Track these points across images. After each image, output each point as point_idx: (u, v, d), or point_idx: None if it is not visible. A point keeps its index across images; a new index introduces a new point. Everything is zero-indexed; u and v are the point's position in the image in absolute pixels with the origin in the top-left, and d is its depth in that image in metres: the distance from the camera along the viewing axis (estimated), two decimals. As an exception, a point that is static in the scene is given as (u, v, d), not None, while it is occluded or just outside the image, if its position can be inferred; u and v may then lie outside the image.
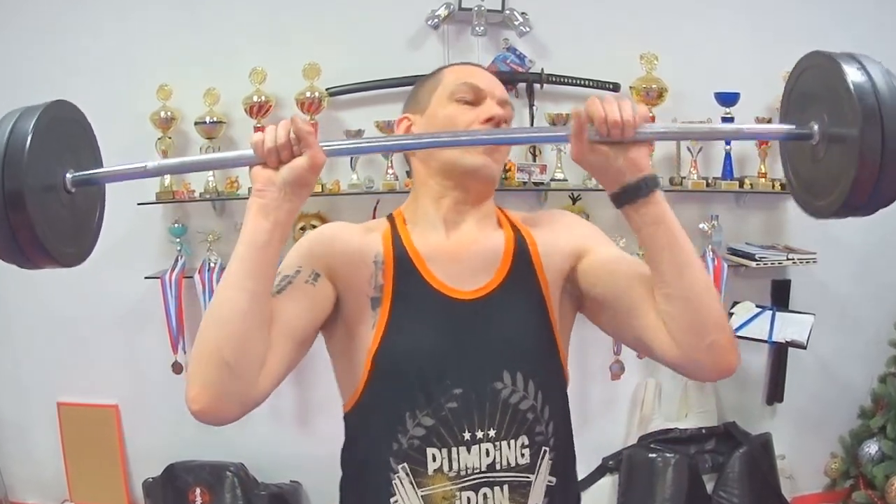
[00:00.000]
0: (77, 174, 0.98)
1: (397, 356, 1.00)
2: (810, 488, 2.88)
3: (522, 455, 0.99)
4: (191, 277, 2.49)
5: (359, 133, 2.51)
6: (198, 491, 2.53)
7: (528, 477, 1.00)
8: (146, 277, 2.50)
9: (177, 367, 2.53)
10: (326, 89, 2.51)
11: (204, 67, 2.52)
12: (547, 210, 1.18)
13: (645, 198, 0.94)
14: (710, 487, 2.57)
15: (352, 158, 2.52)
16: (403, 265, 1.04)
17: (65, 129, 0.99)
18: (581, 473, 2.79)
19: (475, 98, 1.09)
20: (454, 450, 0.97)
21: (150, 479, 2.61)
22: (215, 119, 2.47)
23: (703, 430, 2.69)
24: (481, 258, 1.06)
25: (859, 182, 0.89)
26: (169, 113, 2.47)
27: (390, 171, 2.52)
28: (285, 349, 0.96)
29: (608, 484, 2.66)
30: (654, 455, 2.56)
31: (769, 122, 2.62)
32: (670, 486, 2.49)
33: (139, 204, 2.44)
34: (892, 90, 0.88)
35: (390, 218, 1.13)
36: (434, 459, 0.97)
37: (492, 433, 0.98)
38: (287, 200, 0.93)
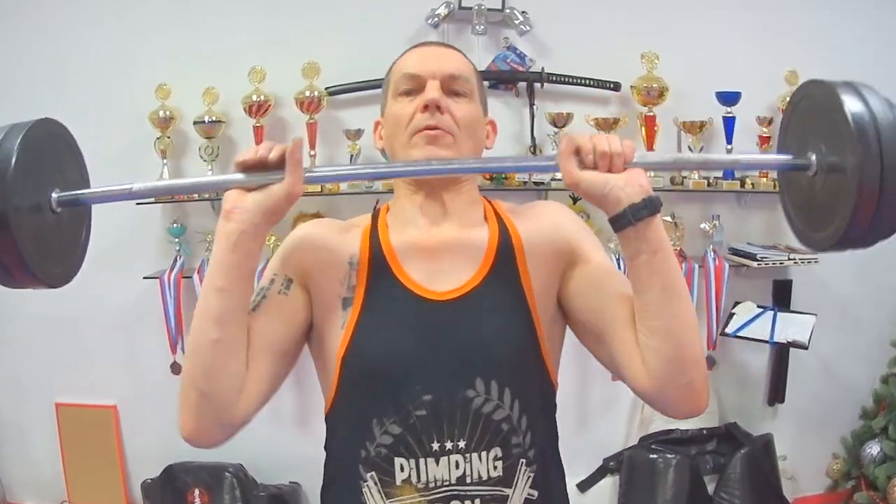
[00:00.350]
0: (63, 195, 0.97)
1: (364, 358, 0.97)
2: (812, 489, 2.88)
3: (495, 468, 0.95)
4: (190, 277, 2.49)
5: (358, 133, 2.51)
6: (196, 492, 2.53)
7: (503, 491, 0.95)
8: (145, 277, 2.50)
9: (176, 368, 2.53)
10: (326, 88, 2.51)
11: (203, 66, 2.53)
12: (537, 202, 1.11)
13: (647, 219, 0.90)
14: (711, 488, 2.57)
15: (351, 156, 2.52)
16: (377, 265, 1.01)
17: (51, 147, 0.98)
18: (581, 474, 2.81)
19: (416, 86, 1.03)
20: (422, 461, 0.94)
21: (149, 480, 2.61)
22: (214, 118, 2.47)
23: (705, 431, 2.68)
24: (461, 256, 1.02)
25: (858, 214, 0.88)
26: (168, 112, 2.47)
27: (390, 170, 2.52)
28: (266, 367, 0.96)
29: (609, 485, 2.66)
30: (654, 456, 2.56)
31: (770, 122, 2.62)
32: (671, 487, 2.49)
33: (138, 204, 2.44)
34: (890, 120, 0.86)
35: (375, 213, 1.10)
36: (402, 469, 0.94)
37: (461, 444, 0.94)
38: (254, 225, 0.91)
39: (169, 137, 2.49)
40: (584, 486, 2.65)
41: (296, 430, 2.63)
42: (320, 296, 1.01)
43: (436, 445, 0.94)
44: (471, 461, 0.94)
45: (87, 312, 2.60)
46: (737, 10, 2.67)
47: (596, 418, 2.73)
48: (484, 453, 0.94)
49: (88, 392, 2.65)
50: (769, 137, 2.62)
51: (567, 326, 1.07)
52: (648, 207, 0.90)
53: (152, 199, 2.47)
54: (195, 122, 2.48)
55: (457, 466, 0.94)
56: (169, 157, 2.50)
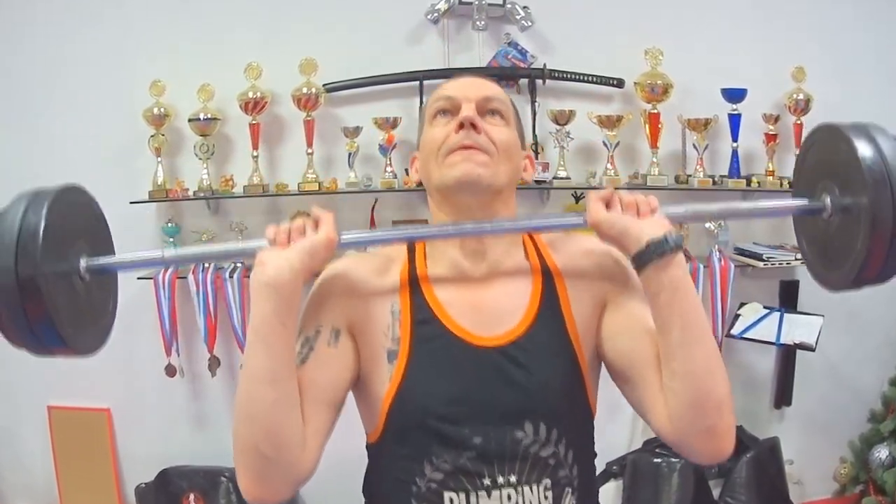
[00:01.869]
0: (91, 263, 1.00)
1: (413, 410, 0.98)
2: (819, 494, 2.88)
3: (546, 497, 0.97)
4: (184, 278, 2.49)
5: (356, 131, 2.51)
6: (191, 497, 2.54)
7: None
8: (139, 278, 2.50)
9: (170, 370, 2.54)
10: (323, 85, 2.51)
11: (198, 62, 2.53)
12: (578, 235, 1.12)
13: (668, 256, 0.92)
14: (716, 493, 2.57)
15: (349, 155, 2.52)
16: (420, 312, 1.01)
17: (76, 213, 1.00)
18: (584, 479, 2.79)
19: (451, 108, 1.04)
20: (473, 494, 0.95)
21: (143, 485, 2.61)
22: (210, 115, 2.47)
23: (710, 435, 2.69)
24: (506, 302, 1.02)
25: (872, 254, 0.92)
26: (162, 109, 2.47)
27: (389, 168, 2.52)
28: (322, 418, 0.97)
29: (613, 489, 2.66)
30: (659, 460, 2.56)
31: (777, 119, 2.62)
32: (676, 491, 2.49)
33: (131, 202, 2.44)
34: None
35: (410, 249, 1.08)
36: (452, 502, 0.96)
37: (513, 479, 0.96)
38: (293, 271, 0.91)
39: (163, 135, 2.49)
40: (586, 491, 2.65)
41: (293, 433, 2.63)
42: (365, 346, 1.02)
43: (487, 481, 0.96)
44: (522, 494, 0.96)
45: (79, 313, 2.60)
46: (743, 5, 2.68)
47: (600, 423, 2.71)
48: (535, 486, 0.97)
49: (81, 395, 2.65)
50: (776, 135, 2.63)
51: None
52: (670, 243, 0.92)
53: (146, 198, 2.48)
54: (190, 120, 2.48)
55: (509, 499, 0.96)
56: (163, 155, 2.50)
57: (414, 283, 1.03)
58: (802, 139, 2.56)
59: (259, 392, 0.90)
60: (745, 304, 2.65)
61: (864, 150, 0.92)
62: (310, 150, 2.51)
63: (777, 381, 2.84)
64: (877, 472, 2.62)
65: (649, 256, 0.92)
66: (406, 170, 2.51)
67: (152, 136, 2.48)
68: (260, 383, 0.90)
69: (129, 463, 2.71)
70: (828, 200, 1.00)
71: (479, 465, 0.96)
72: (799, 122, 2.62)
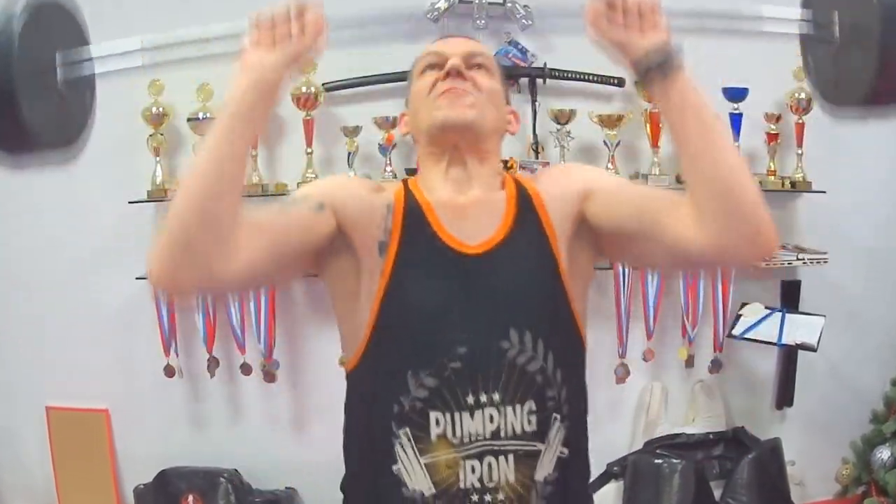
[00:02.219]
0: (68, 60, 0.99)
1: (404, 305, 0.99)
2: (821, 495, 2.88)
3: (529, 422, 0.97)
4: (183, 278, 2.49)
5: (356, 130, 2.51)
6: (190, 498, 2.54)
7: (536, 446, 0.97)
8: (137, 278, 2.49)
9: (169, 371, 2.54)
10: (323, 84, 2.51)
11: (197, 61, 2.52)
12: (551, 166, 1.20)
13: (672, 73, 0.93)
14: (717, 494, 2.57)
15: (349, 155, 2.52)
16: (414, 213, 1.04)
17: (56, 18, 1.00)
18: (585, 480, 2.78)
19: (439, 62, 1.11)
20: (457, 414, 0.95)
21: (142, 486, 2.61)
22: (209, 115, 2.47)
23: (711, 436, 2.69)
24: (486, 212, 1.06)
25: (881, 81, 0.91)
26: (161, 109, 2.47)
27: (389, 168, 2.52)
28: (264, 245, 0.95)
29: (613, 491, 2.66)
30: (660, 461, 2.56)
31: (779, 119, 2.62)
32: (677, 492, 2.49)
33: (130, 202, 2.44)
34: None
35: (404, 181, 1.13)
36: (437, 424, 0.95)
37: (496, 397, 0.95)
38: (279, 84, 0.94)
39: (162, 134, 2.49)
40: (587, 492, 2.65)
41: (292, 434, 2.62)
42: (357, 235, 1.03)
43: (471, 399, 0.95)
44: (505, 415, 0.96)
45: (78, 314, 2.60)
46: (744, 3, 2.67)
47: (600, 423, 2.71)
48: (518, 406, 0.96)
49: (79, 395, 2.65)
50: (777, 135, 2.62)
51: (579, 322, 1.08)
52: (670, 60, 0.94)
53: (145, 198, 2.47)
54: (189, 119, 2.48)
55: (491, 420, 0.96)
56: (162, 155, 2.50)
57: (408, 193, 1.08)
58: (804, 139, 2.60)
59: (205, 168, 0.90)
60: (747, 304, 2.65)
61: None
62: (309, 150, 2.51)
63: (779, 381, 2.84)
64: (879, 473, 2.62)
65: (653, 74, 0.94)
66: (408, 170, 2.51)
67: (151, 135, 2.48)
68: (209, 162, 0.90)
69: (127, 463, 2.71)
70: (836, 22, 0.99)
71: (464, 379, 0.95)
72: (800, 121, 2.62)
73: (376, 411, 0.99)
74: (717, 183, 0.91)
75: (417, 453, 0.96)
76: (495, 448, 0.95)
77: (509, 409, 0.96)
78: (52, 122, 0.96)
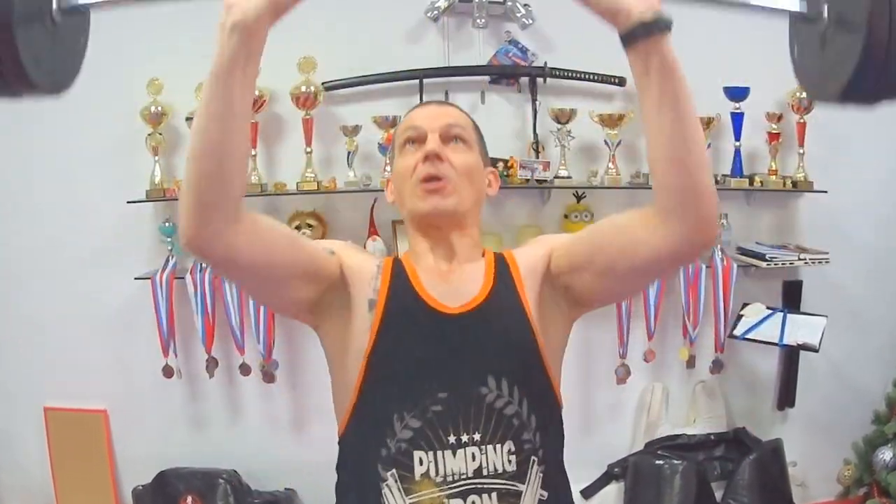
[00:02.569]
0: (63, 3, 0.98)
1: (389, 360, 1.06)
2: (823, 496, 2.88)
3: (509, 461, 1.02)
4: (182, 278, 2.49)
5: (356, 129, 2.51)
6: (189, 499, 2.54)
7: (517, 486, 1.02)
8: (136, 278, 2.50)
9: (167, 371, 2.53)
10: (322, 83, 2.51)
11: (196, 61, 2.52)
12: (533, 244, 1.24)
13: (658, 35, 0.92)
14: (719, 495, 2.57)
15: (348, 154, 2.52)
16: (399, 276, 1.13)
17: None
18: (586, 481, 2.81)
19: (417, 137, 1.17)
20: (440, 453, 1.01)
21: (140, 487, 2.61)
22: (207, 114, 2.47)
23: (712, 436, 2.69)
24: (467, 278, 1.14)
25: (863, 68, 0.91)
26: (159, 108, 2.47)
27: (388, 168, 2.52)
28: (271, 238, 1.02)
29: (614, 491, 2.66)
30: (661, 462, 2.56)
31: (780, 118, 2.62)
32: (678, 493, 2.49)
33: (129, 202, 2.44)
34: None
35: (394, 256, 1.22)
36: (421, 463, 1.01)
37: (477, 437, 1.02)
38: (263, 28, 0.92)
39: (161, 134, 2.49)
40: (588, 493, 2.65)
41: (291, 435, 2.63)
42: (354, 294, 1.11)
43: (452, 438, 1.01)
44: (486, 453, 1.02)
45: (76, 313, 2.60)
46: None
47: (600, 424, 2.73)
48: (499, 446, 1.02)
49: (78, 396, 2.65)
50: (779, 134, 2.62)
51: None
52: (658, 24, 0.92)
53: (144, 198, 2.47)
54: (188, 118, 2.48)
55: (473, 458, 1.02)
56: (161, 154, 2.50)
57: (396, 260, 1.17)
58: (806, 139, 2.60)
59: (213, 128, 0.91)
60: (748, 304, 2.65)
61: None
62: (308, 149, 2.51)
63: (780, 382, 2.84)
64: (881, 474, 2.62)
65: (637, 36, 0.93)
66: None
67: (149, 134, 2.48)
68: (215, 120, 0.91)
69: (126, 464, 2.71)
70: (825, 7, 1.00)
71: (445, 421, 1.02)
72: (802, 120, 2.62)
73: (365, 459, 1.05)
74: (683, 163, 0.94)
75: (403, 493, 1.01)
76: (479, 486, 1.01)
77: (490, 447, 1.02)
78: (46, 58, 0.98)
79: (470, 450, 1.01)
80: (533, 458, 1.04)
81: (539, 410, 1.06)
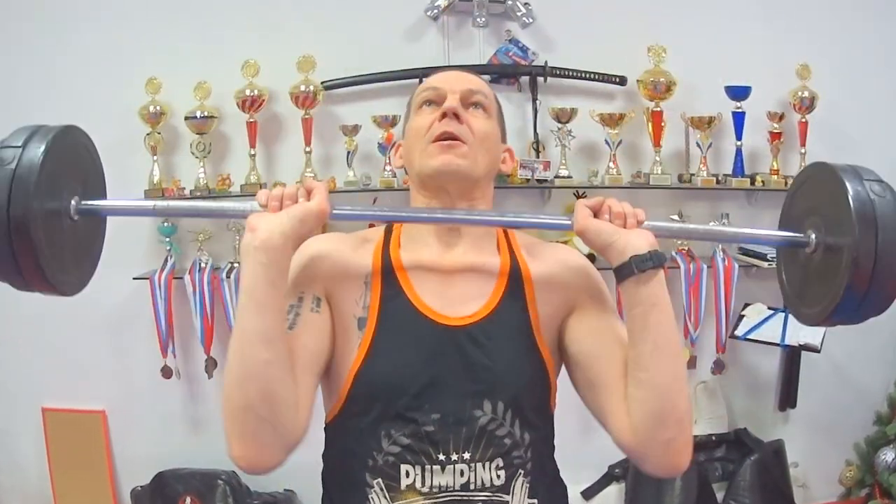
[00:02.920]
0: (83, 204, 1.01)
1: (377, 379, 1.01)
2: (824, 497, 2.88)
3: (498, 476, 1.01)
4: (181, 278, 2.49)
5: (355, 129, 2.51)
6: (188, 500, 2.53)
7: (503, 497, 1.01)
8: (134, 278, 2.50)
9: (166, 372, 2.53)
10: (322, 83, 2.51)
11: (194, 60, 2.52)
12: (555, 245, 1.20)
13: (650, 271, 0.96)
14: (720, 496, 2.57)
15: (348, 153, 2.52)
16: (391, 286, 1.05)
17: (73, 154, 1.02)
18: (587, 482, 2.80)
19: (436, 98, 1.10)
20: (427, 468, 0.99)
21: (139, 488, 2.61)
22: (206, 114, 2.47)
23: (714, 437, 2.69)
24: (473, 284, 1.07)
25: (849, 292, 0.97)
26: (158, 107, 2.47)
27: (388, 167, 2.52)
28: (311, 382, 1.00)
29: (614, 492, 2.66)
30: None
31: (782, 117, 2.62)
32: (679, 494, 2.49)
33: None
34: (890, 211, 0.96)
35: (388, 230, 1.13)
36: (408, 475, 0.99)
37: (466, 455, 1.00)
38: (283, 235, 0.94)
39: (159, 133, 2.49)
40: (588, 494, 2.65)
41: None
42: (338, 314, 1.05)
43: (442, 456, 0.99)
44: (475, 470, 1.00)
45: (74, 314, 2.59)
46: (747, 1, 2.67)
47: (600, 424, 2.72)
48: (488, 463, 1.00)
49: (76, 396, 2.65)
50: (780, 133, 2.62)
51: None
52: (653, 260, 0.96)
53: (142, 197, 2.47)
54: (186, 118, 2.48)
55: (462, 475, 1.00)
56: (159, 154, 2.50)
57: (387, 261, 1.08)
58: (807, 138, 2.60)
59: (253, 353, 0.91)
60: (749, 304, 2.65)
61: (854, 192, 0.97)
62: (308, 149, 2.50)
63: (782, 383, 2.84)
64: (883, 475, 2.62)
65: (630, 270, 0.96)
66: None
67: (148, 134, 2.48)
68: (254, 344, 0.91)
69: (124, 465, 2.71)
70: (813, 236, 1.05)
71: (436, 441, 0.99)
72: (804, 119, 2.62)
73: (351, 463, 1.03)
74: (657, 391, 0.96)
75: (389, 501, 0.99)
76: (464, 499, 0.99)
77: (479, 465, 1.00)
78: (64, 255, 1.00)
79: (459, 467, 0.99)
80: (520, 470, 1.02)
81: (532, 429, 1.04)
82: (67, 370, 2.64)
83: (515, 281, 1.08)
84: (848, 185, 0.98)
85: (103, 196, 1.10)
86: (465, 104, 1.09)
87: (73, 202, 1.00)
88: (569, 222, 1.03)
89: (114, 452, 2.71)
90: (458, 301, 1.05)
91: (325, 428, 1.10)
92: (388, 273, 1.06)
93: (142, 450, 2.65)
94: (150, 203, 1.07)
